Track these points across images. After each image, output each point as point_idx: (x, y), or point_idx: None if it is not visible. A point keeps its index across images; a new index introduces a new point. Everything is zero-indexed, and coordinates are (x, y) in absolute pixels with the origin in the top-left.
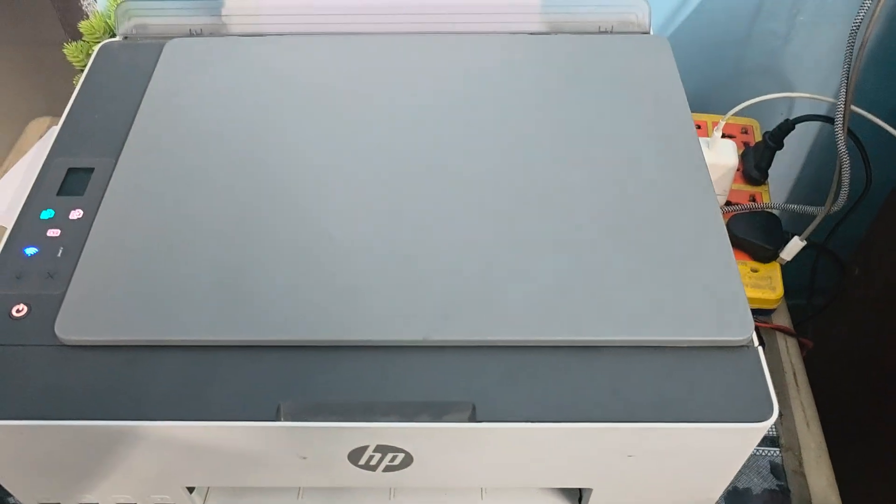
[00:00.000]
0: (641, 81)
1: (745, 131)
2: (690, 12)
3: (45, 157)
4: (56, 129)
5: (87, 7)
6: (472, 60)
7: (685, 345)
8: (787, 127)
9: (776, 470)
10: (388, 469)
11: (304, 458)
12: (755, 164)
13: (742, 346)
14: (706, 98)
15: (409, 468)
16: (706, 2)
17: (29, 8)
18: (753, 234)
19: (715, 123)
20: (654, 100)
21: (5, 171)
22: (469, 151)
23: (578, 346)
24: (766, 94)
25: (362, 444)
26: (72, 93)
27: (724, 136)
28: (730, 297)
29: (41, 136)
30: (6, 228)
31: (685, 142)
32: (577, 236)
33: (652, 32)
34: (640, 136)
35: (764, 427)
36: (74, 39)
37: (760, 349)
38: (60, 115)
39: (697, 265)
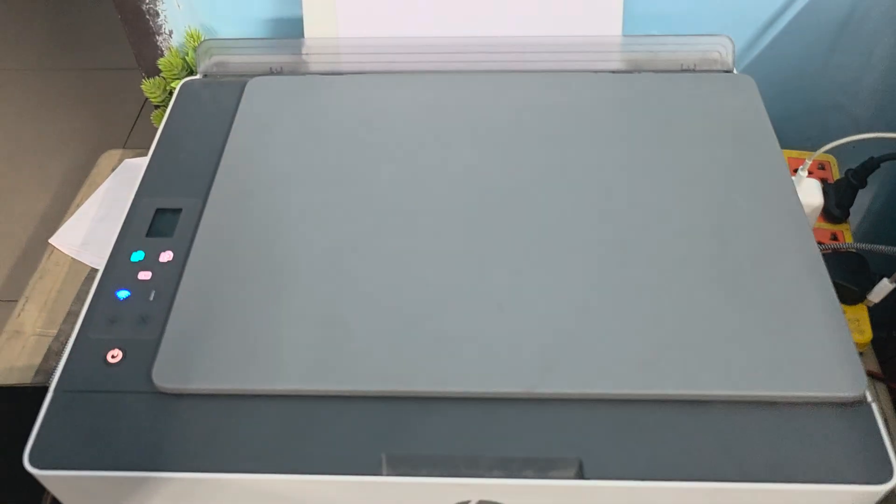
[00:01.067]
0: (730, 122)
1: (822, 167)
2: (763, 47)
3: (117, 191)
4: (128, 163)
5: (161, 43)
6: (555, 99)
7: (795, 400)
8: (872, 165)
9: None
10: None
11: None
12: (836, 202)
13: (855, 402)
14: (777, 133)
15: None
16: (780, 36)
17: (88, 34)
18: (840, 274)
19: (791, 160)
20: (744, 141)
21: (78, 205)
22: (557, 194)
23: (687, 400)
24: (837, 127)
25: (464, 499)
26: (133, 118)
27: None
28: (839, 349)
29: (113, 170)
30: (80, 261)
31: (779, 185)
32: (677, 284)
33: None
34: (733, 178)
35: (882, 490)
36: (149, 75)
37: (875, 405)
38: (124, 144)
39: (803, 315)
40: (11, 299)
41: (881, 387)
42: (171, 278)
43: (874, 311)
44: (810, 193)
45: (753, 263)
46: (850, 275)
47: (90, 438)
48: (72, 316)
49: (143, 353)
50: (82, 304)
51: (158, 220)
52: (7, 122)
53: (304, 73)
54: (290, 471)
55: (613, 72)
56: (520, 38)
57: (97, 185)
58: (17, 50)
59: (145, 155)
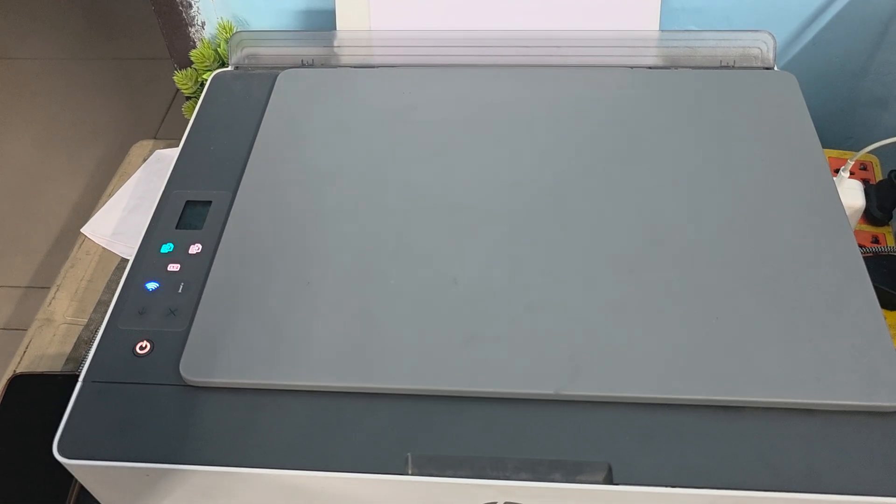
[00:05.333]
0: (771, 120)
1: (863, 167)
2: (804, 43)
3: (148, 182)
4: (159, 153)
5: (193, 34)
6: (590, 95)
7: (833, 409)
8: None
9: None
10: None
11: None
12: (878, 203)
13: (894, 412)
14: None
15: None
16: (822, 32)
17: (121, 24)
18: (881, 278)
19: (832, 159)
20: (785, 141)
21: (110, 195)
22: (592, 191)
23: (720, 405)
24: (879, 127)
25: (489, 501)
26: (164, 108)
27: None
28: (880, 357)
29: (144, 160)
30: (111, 251)
31: (820, 186)
32: (713, 286)
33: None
34: (773, 179)
35: None
36: (181, 66)
37: None
38: (155, 134)
39: (843, 321)
40: (43, 286)
41: None
42: (199, 271)
43: None
44: (852, 195)
45: (793, 266)
46: (891, 279)
47: (118, 429)
48: (102, 305)
49: (171, 345)
50: (112, 294)
51: (188, 213)
52: (40, 110)
53: (335, 66)
54: (315, 467)
55: (650, 67)
56: (555, 33)
57: (129, 176)
58: (50, 39)
59: (176, 146)
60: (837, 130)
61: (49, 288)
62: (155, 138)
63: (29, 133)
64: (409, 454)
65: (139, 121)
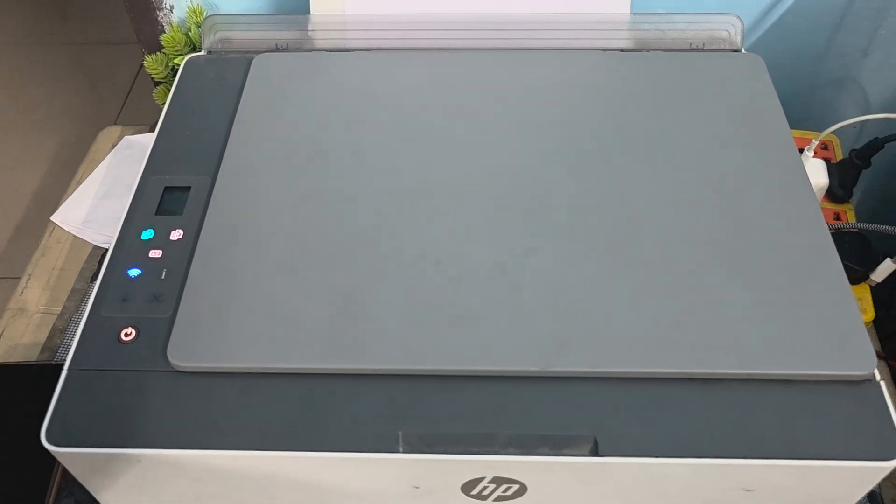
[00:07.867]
0: (740, 102)
1: (825, 147)
2: (767, 26)
3: (119, 168)
4: (129, 139)
5: (162, 18)
6: (564, 78)
7: (805, 379)
8: (877, 146)
9: (874, 498)
10: (499, 499)
11: (417, 487)
12: (840, 182)
13: (864, 380)
14: None
15: (521, 498)
16: (784, 15)
17: (76, 7)
18: (843, 255)
19: (795, 139)
20: (753, 121)
21: (79, 182)
22: (567, 172)
23: (699, 378)
24: (839, 107)
25: (478, 476)
26: (124, 93)
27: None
28: (849, 328)
29: (113, 146)
30: (82, 239)
31: (788, 165)
32: (689, 263)
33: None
34: (743, 159)
35: (890, 466)
36: (150, 50)
37: (883, 384)
38: (115, 120)
39: (812, 294)
40: (4, 276)
41: (881, 364)
42: (182, 256)
43: (875, 290)
44: (816, 173)
45: (764, 243)
46: (853, 255)
47: (107, 416)
48: (75, 293)
49: (157, 331)
50: (86, 282)
51: (167, 199)
52: None
53: (309, 50)
54: (307, 448)
55: (622, 50)
56: (529, 16)
57: (97, 162)
58: (2, 22)
59: (145, 131)
60: (798, 111)
61: (11, 277)
62: (116, 124)
63: None
64: (399, 432)
65: (98, 107)
